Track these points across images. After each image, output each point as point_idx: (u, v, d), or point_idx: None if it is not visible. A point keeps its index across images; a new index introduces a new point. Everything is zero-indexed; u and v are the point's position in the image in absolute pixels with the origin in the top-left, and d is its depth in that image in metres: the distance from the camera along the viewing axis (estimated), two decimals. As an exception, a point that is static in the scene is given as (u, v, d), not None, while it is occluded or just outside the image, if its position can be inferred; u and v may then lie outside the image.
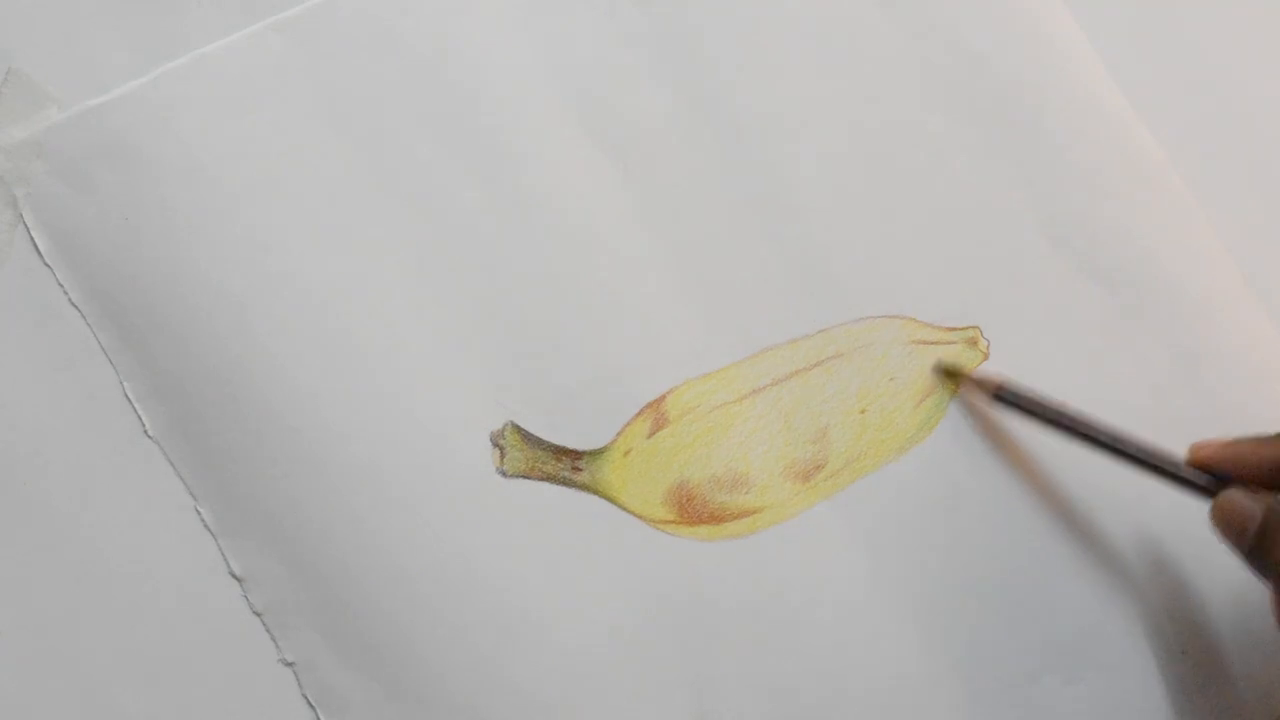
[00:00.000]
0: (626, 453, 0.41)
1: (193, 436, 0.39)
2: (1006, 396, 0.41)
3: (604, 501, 0.40)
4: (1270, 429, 0.42)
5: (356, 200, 0.40)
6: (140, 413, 0.39)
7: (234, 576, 0.38)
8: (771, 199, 0.42)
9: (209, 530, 0.38)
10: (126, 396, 0.39)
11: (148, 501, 0.38)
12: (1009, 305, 0.43)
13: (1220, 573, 0.42)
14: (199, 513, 0.39)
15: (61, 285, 0.39)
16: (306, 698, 0.38)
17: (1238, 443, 0.39)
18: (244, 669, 0.38)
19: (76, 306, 0.39)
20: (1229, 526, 0.38)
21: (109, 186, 0.39)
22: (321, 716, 0.38)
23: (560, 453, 0.40)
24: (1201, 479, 0.39)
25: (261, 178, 0.40)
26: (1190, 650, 0.41)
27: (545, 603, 0.39)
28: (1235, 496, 0.38)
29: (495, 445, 0.40)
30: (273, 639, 0.38)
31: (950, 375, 0.42)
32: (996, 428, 0.42)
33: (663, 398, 0.41)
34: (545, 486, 0.40)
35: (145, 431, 0.39)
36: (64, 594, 0.37)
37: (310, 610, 0.38)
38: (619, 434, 0.41)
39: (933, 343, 0.43)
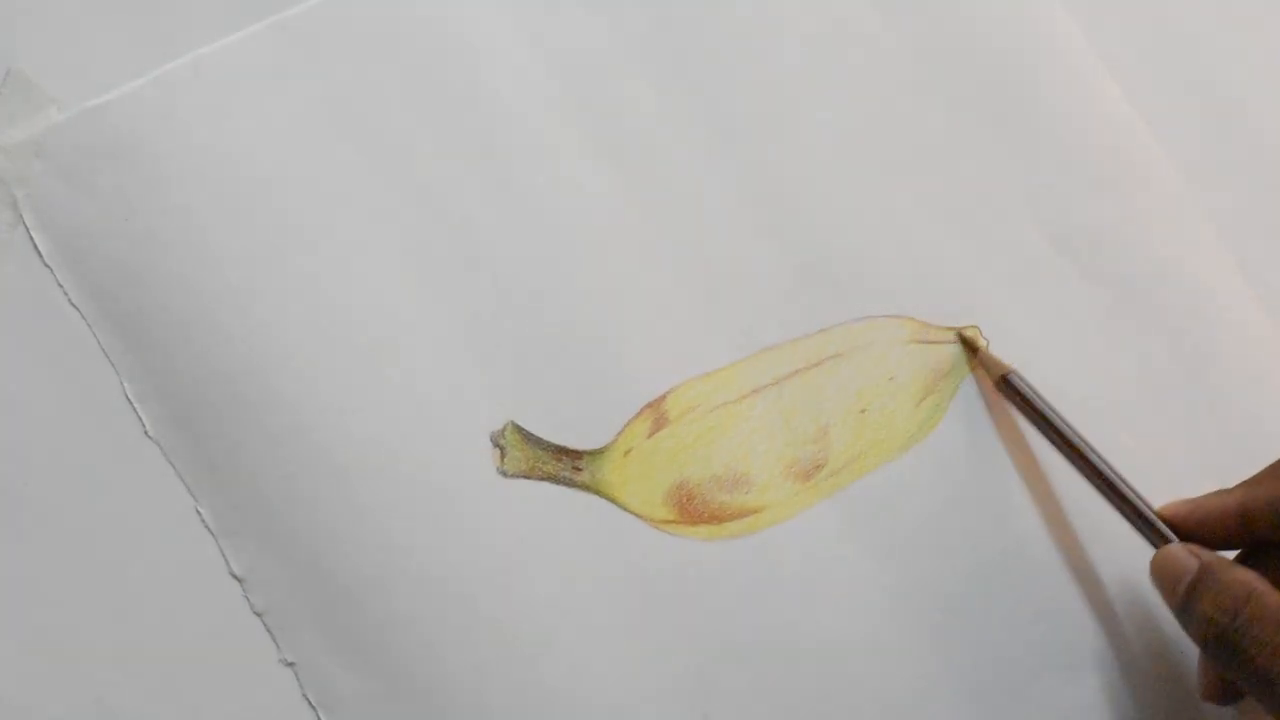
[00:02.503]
0: (627, 452, 0.41)
1: (193, 436, 0.39)
2: (1012, 384, 0.41)
3: (604, 501, 0.40)
4: (1269, 427, 0.42)
5: (356, 200, 0.40)
6: (140, 413, 0.39)
7: (234, 577, 0.38)
8: (772, 198, 0.42)
9: (209, 530, 0.38)
10: (126, 396, 0.39)
11: (148, 501, 0.38)
12: (1009, 304, 0.43)
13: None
14: (199, 513, 0.38)
15: (61, 285, 0.39)
16: (307, 698, 0.38)
17: (1197, 501, 0.39)
18: (244, 669, 0.38)
19: (76, 306, 0.39)
20: (1164, 581, 0.38)
21: (109, 186, 0.39)
22: (322, 717, 0.38)
23: (560, 452, 0.40)
24: (1166, 530, 0.39)
25: (262, 177, 0.40)
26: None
27: (545, 603, 0.39)
28: (1174, 551, 0.38)
29: (495, 445, 0.40)
30: (273, 639, 0.38)
31: (968, 346, 0.42)
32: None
33: (663, 397, 0.41)
34: (545, 486, 0.40)
35: (145, 431, 0.39)
36: (64, 594, 0.37)
37: (311, 610, 0.38)
38: (619, 434, 0.41)
39: (932, 342, 0.43)
